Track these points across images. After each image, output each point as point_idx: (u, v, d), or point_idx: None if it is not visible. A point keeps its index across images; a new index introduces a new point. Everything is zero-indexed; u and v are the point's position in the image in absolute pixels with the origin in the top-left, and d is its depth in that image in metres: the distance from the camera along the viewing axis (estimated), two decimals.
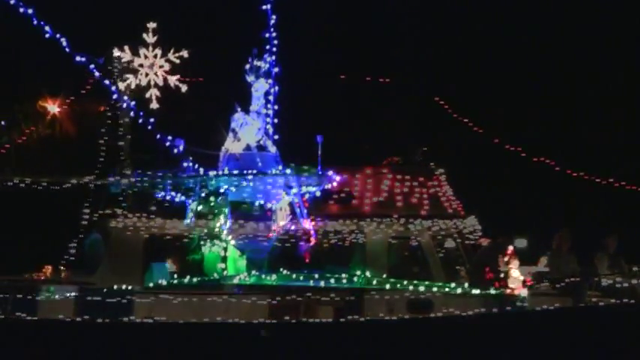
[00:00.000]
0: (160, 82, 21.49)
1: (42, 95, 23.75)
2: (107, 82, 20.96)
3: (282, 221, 21.01)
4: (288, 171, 20.82)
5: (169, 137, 20.50)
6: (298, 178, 20.97)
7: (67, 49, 20.85)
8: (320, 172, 20.53)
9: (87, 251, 21.52)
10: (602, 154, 34.02)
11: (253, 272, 19.21)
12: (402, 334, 17.53)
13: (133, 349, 18.03)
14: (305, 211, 20.94)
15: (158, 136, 20.54)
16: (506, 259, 17.56)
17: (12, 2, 20.34)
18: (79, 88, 22.57)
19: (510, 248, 17.68)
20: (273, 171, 20.85)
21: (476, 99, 32.24)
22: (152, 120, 20.73)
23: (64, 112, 23.66)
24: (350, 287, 18.00)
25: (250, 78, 21.09)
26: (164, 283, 19.75)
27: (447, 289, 17.62)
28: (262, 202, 21.13)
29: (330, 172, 20.58)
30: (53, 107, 23.57)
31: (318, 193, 21.22)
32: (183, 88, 21.48)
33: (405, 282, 17.78)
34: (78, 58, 20.84)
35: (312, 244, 20.72)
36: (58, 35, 20.66)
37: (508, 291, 17.42)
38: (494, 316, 17.58)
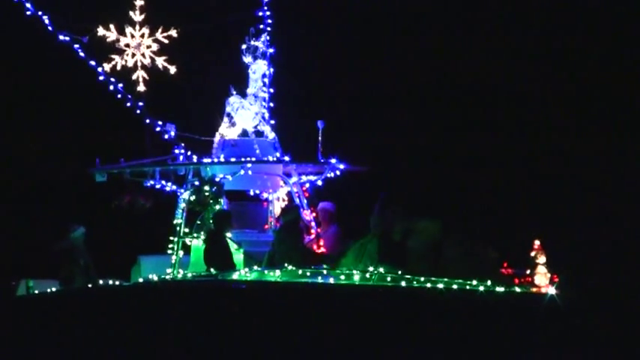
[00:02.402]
0: (148, 63, 20.16)
1: None
2: (92, 62, 19.79)
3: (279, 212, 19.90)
4: (287, 158, 19.78)
5: (160, 122, 19.63)
6: (298, 165, 19.90)
7: (50, 28, 19.74)
8: (321, 160, 19.47)
9: (74, 245, 19.67)
10: None
11: (254, 267, 17.89)
12: None
13: None
14: (305, 201, 19.85)
15: (147, 120, 19.61)
16: (533, 253, 16.40)
17: None
18: None
19: (537, 242, 16.53)
20: (271, 158, 19.83)
21: None
22: (141, 104, 19.76)
23: None
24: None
25: (247, 59, 20.07)
26: (155, 278, 18.32)
27: (467, 287, 16.41)
28: (259, 191, 20.30)
29: (333, 160, 19.47)
30: None
31: (319, 183, 20.13)
32: (172, 69, 20.21)
33: (422, 278, 16.53)
34: (61, 37, 19.74)
35: (312, 236, 19.52)
36: (40, 12, 19.57)
37: (534, 289, 16.29)
38: None
